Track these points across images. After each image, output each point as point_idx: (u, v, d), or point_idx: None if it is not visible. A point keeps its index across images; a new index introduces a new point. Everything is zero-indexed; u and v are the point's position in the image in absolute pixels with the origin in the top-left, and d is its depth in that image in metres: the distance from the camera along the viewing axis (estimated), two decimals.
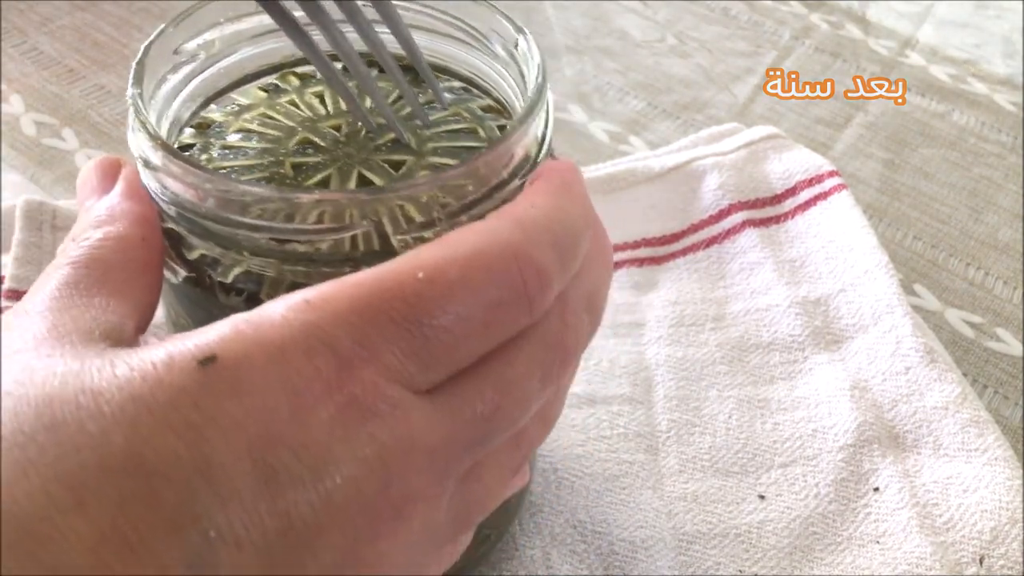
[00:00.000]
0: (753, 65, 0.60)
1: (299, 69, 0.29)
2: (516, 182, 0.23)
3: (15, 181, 0.46)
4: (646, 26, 0.62)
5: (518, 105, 0.27)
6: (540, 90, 0.24)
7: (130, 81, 0.24)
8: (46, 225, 0.40)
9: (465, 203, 0.22)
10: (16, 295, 0.37)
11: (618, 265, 0.43)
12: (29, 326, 0.20)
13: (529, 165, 0.24)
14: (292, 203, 0.21)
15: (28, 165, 0.47)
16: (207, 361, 0.18)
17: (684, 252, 0.44)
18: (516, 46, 0.26)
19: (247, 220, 0.22)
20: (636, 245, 0.44)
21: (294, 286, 0.23)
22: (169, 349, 0.18)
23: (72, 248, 0.22)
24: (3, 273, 0.38)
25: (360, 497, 0.18)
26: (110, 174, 0.25)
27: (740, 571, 0.33)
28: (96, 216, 0.23)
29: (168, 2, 0.58)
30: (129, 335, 0.20)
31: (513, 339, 0.21)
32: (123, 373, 0.18)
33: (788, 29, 0.63)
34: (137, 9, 0.57)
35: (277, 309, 0.19)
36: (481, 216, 0.22)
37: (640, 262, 0.43)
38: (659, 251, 0.44)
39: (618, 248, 0.44)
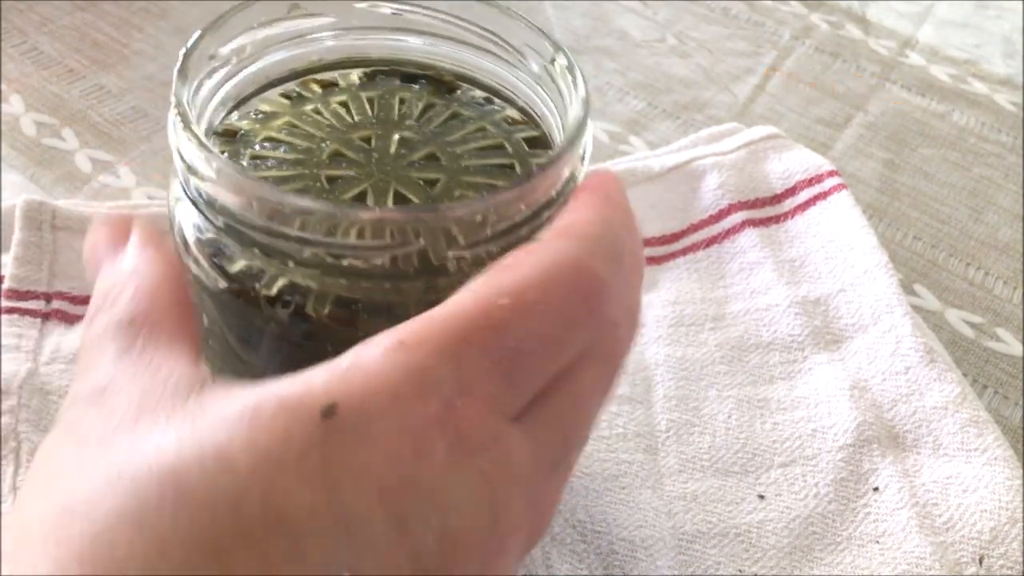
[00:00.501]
0: (753, 65, 0.60)
1: (320, 76, 0.29)
2: (561, 199, 0.24)
3: (15, 181, 0.46)
4: (646, 26, 0.62)
5: (548, 116, 0.27)
6: (586, 110, 0.25)
7: (173, 88, 0.23)
8: (46, 225, 0.40)
9: (515, 222, 0.23)
10: (16, 295, 0.38)
11: None
12: (112, 407, 0.19)
13: (573, 182, 0.24)
14: (353, 220, 0.21)
15: (28, 165, 0.47)
16: (329, 411, 0.17)
17: (684, 252, 0.44)
18: (553, 62, 0.27)
19: (301, 234, 0.22)
20: None
21: (338, 299, 0.23)
22: (281, 399, 0.18)
23: (107, 315, 0.22)
24: (3, 273, 0.38)
25: (476, 534, 0.19)
26: (121, 232, 0.24)
27: (740, 571, 0.33)
28: (120, 274, 0.23)
29: (168, 2, 0.58)
30: (205, 376, 0.20)
31: (577, 357, 0.21)
32: (241, 431, 0.17)
33: (788, 29, 0.63)
34: (137, 9, 0.57)
35: (375, 353, 0.19)
36: (527, 232, 0.22)
37: None
38: (659, 251, 0.44)
39: None
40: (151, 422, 0.18)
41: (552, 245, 0.21)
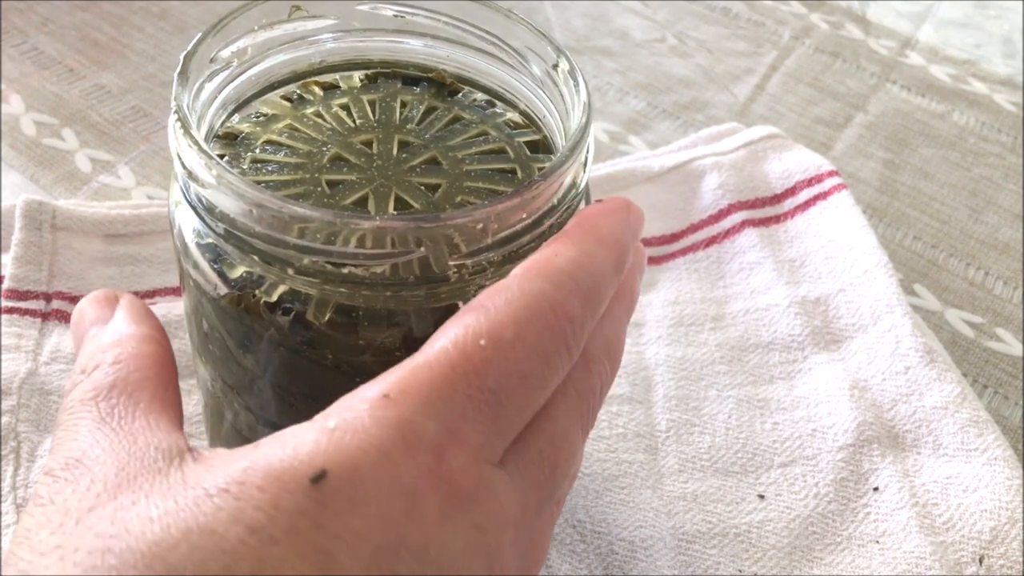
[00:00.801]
0: (753, 65, 0.60)
1: (321, 78, 0.29)
2: (563, 206, 0.24)
3: (15, 181, 0.46)
4: (646, 26, 0.62)
5: (550, 119, 0.27)
6: (588, 115, 0.25)
7: (174, 92, 0.23)
8: (45, 225, 0.40)
9: (516, 229, 0.23)
10: (16, 294, 0.38)
11: None
12: (88, 481, 0.19)
13: (576, 189, 0.24)
14: (353, 228, 0.21)
15: (28, 165, 0.47)
16: (318, 478, 0.17)
17: (683, 252, 0.44)
18: (555, 66, 0.27)
19: (301, 242, 0.22)
20: None
21: (338, 307, 0.23)
22: (268, 468, 0.17)
23: (87, 382, 0.22)
24: (3, 273, 0.38)
25: None
26: (107, 305, 0.24)
27: (740, 571, 0.33)
28: (102, 342, 0.23)
29: (168, 2, 0.58)
30: (183, 446, 0.20)
31: (552, 395, 0.22)
32: (228, 502, 0.17)
33: (788, 29, 0.63)
34: (137, 9, 0.57)
35: (361, 410, 0.18)
36: (529, 239, 0.23)
37: None
38: (658, 251, 0.44)
39: None
40: (131, 497, 0.18)
41: (526, 285, 0.21)
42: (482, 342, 0.19)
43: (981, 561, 0.33)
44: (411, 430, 0.18)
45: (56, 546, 0.17)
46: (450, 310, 0.23)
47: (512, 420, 0.20)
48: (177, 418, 0.22)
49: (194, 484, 0.18)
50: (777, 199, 0.45)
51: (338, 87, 0.29)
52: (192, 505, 0.17)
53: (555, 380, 0.21)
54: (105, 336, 0.23)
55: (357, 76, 0.29)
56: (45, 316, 0.37)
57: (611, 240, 0.23)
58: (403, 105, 0.28)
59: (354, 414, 0.18)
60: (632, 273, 0.25)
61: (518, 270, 0.22)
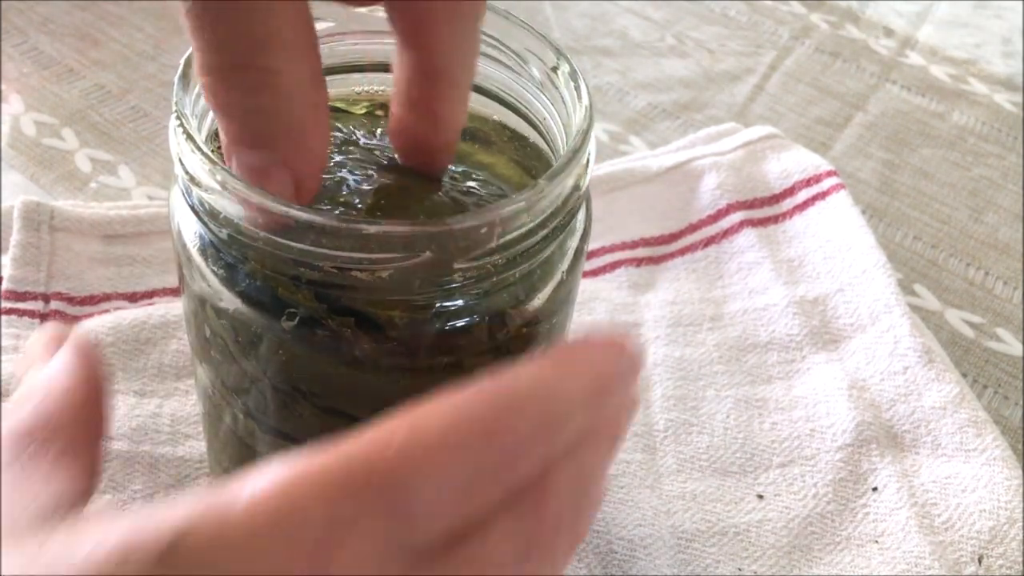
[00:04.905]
0: (753, 65, 0.60)
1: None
2: (566, 209, 0.24)
3: (15, 181, 0.46)
4: (646, 26, 0.62)
5: (550, 121, 0.27)
6: (590, 118, 0.25)
7: (175, 96, 0.23)
8: (44, 226, 0.40)
9: (520, 233, 0.23)
10: (14, 295, 0.38)
11: (616, 265, 0.43)
12: None
13: (578, 192, 0.24)
14: (357, 233, 0.21)
15: (28, 165, 0.47)
16: (170, 550, 0.16)
17: (682, 252, 0.44)
18: (556, 69, 0.27)
19: (305, 246, 0.22)
20: (634, 245, 0.44)
21: (341, 311, 0.23)
22: (125, 534, 0.16)
23: (9, 421, 0.21)
24: (1, 274, 0.38)
25: None
26: (54, 344, 0.24)
27: (739, 570, 0.33)
28: (33, 386, 0.22)
29: (168, 2, 0.58)
30: (76, 500, 0.19)
31: (489, 514, 0.20)
32: (75, 568, 0.16)
33: (788, 29, 0.63)
34: (137, 9, 0.57)
35: (243, 490, 0.17)
36: (533, 243, 0.23)
37: (638, 262, 0.43)
38: (657, 251, 0.44)
39: (616, 248, 0.44)
40: (4, 549, 0.17)
41: (463, 399, 0.19)
42: (391, 450, 0.18)
43: (980, 561, 0.33)
44: (291, 514, 0.17)
45: None
46: (458, 311, 0.23)
47: (418, 533, 0.18)
48: (88, 463, 0.21)
49: (56, 547, 0.17)
50: (776, 199, 0.45)
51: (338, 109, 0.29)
52: (42, 567, 0.16)
53: (479, 502, 0.19)
54: (39, 379, 0.22)
55: (362, 105, 0.29)
56: (44, 317, 0.37)
57: (586, 371, 0.22)
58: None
59: (233, 494, 0.17)
60: (618, 413, 0.23)
61: (471, 387, 0.20)
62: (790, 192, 0.45)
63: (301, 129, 0.21)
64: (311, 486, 0.17)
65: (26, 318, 0.37)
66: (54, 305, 0.38)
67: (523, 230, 0.23)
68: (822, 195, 0.45)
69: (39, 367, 0.23)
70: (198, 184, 0.22)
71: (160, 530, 0.16)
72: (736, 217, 0.44)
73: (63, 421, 0.21)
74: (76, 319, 0.38)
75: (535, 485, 0.21)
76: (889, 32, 0.64)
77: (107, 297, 0.39)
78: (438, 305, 0.23)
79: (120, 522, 0.17)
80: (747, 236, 0.44)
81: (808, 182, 0.45)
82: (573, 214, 0.25)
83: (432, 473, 0.18)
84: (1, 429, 0.21)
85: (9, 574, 0.17)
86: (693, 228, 0.45)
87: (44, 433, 0.21)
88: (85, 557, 0.16)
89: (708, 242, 0.44)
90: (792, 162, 0.46)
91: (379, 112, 0.28)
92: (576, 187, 0.24)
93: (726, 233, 0.44)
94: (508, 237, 0.23)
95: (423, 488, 0.18)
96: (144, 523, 0.16)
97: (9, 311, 0.37)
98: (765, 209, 0.45)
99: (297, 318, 0.23)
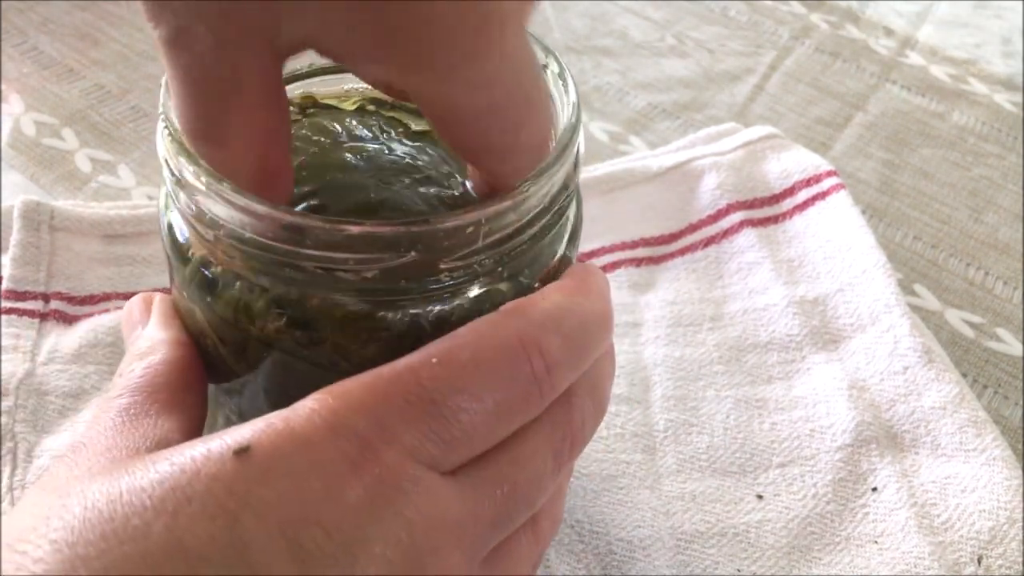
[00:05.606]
0: (753, 65, 0.60)
1: (319, 92, 0.29)
2: (554, 208, 0.24)
3: (15, 181, 0.46)
4: (646, 26, 0.62)
5: None
6: (577, 115, 0.25)
7: (161, 98, 0.23)
8: (44, 225, 0.40)
9: (507, 232, 0.23)
10: (14, 295, 0.38)
11: (616, 265, 0.43)
12: (79, 461, 0.21)
13: (566, 190, 0.24)
14: (343, 233, 0.21)
15: (28, 165, 0.47)
16: (241, 451, 0.19)
17: (682, 252, 0.44)
18: (544, 68, 0.26)
19: (291, 247, 0.22)
20: (634, 245, 0.44)
21: (329, 311, 0.23)
22: (209, 444, 0.19)
23: (120, 381, 0.24)
24: (1, 273, 0.38)
25: (393, 573, 0.19)
26: (146, 308, 0.27)
27: (738, 570, 0.33)
28: (138, 349, 0.25)
29: None
30: (175, 439, 0.22)
31: (528, 422, 0.22)
32: (164, 469, 0.19)
33: (788, 29, 0.63)
34: (137, 9, 0.57)
35: (300, 407, 0.20)
36: (520, 242, 0.23)
37: (638, 262, 0.43)
38: (657, 251, 0.44)
39: (616, 248, 0.44)
40: (105, 471, 0.20)
41: (499, 319, 0.22)
42: (434, 360, 0.21)
43: (980, 561, 0.33)
44: (339, 422, 0.19)
45: (33, 507, 0.20)
46: (445, 312, 0.23)
47: (460, 436, 0.21)
48: (190, 419, 0.24)
49: (150, 459, 0.20)
50: (776, 199, 0.45)
51: (331, 107, 0.28)
52: (137, 472, 0.19)
53: (519, 409, 0.22)
54: (141, 342, 0.25)
55: (352, 101, 0.29)
56: (43, 316, 0.37)
57: (602, 296, 0.24)
58: (393, 107, 0.28)
59: (292, 411, 0.20)
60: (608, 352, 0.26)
61: (504, 307, 0.23)
62: (790, 192, 0.45)
63: (259, 183, 0.22)
64: (358, 399, 0.20)
65: (26, 318, 0.37)
66: (54, 305, 0.38)
67: (510, 230, 0.23)
68: (822, 195, 0.45)
69: (139, 332, 0.26)
70: (184, 186, 0.22)
71: (235, 437, 0.19)
72: (736, 217, 0.44)
73: (164, 382, 0.24)
74: (76, 319, 0.38)
75: (562, 397, 0.23)
76: (889, 32, 0.64)
77: (107, 297, 0.39)
78: (425, 304, 0.23)
79: (208, 440, 0.20)
80: (747, 236, 0.44)
81: (808, 182, 0.45)
82: (562, 213, 0.24)
83: (466, 383, 0.21)
84: (115, 388, 0.24)
85: (116, 481, 0.19)
86: (693, 228, 0.44)
87: (148, 390, 0.24)
88: (178, 460, 0.19)
89: (708, 242, 0.44)
90: (792, 162, 0.46)
91: (370, 107, 0.28)
92: (564, 186, 0.24)
93: (726, 233, 0.44)
94: (495, 236, 0.23)
95: (458, 397, 0.20)
96: (224, 436, 0.19)
97: (9, 311, 0.37)
98: (765, 209, 0.45)
99: (283, 318, 0.23)
